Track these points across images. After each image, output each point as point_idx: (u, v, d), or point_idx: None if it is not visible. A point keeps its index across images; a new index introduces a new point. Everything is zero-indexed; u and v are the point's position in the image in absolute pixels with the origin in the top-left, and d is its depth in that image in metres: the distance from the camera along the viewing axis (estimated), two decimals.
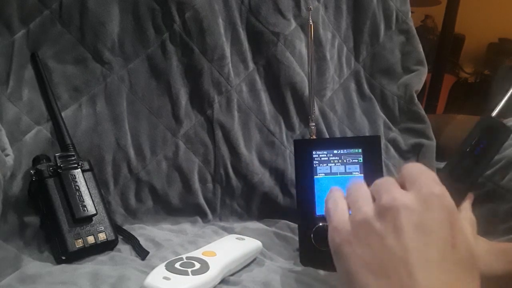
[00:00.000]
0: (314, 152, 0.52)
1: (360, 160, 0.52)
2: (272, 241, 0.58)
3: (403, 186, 0.32)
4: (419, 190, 0.31)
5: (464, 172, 0.43)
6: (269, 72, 0.71)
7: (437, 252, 0.28)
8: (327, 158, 0.52)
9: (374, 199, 0.33)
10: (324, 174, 0.52)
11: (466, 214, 0.44)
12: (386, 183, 0.32)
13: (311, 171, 0.52)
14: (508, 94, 0.52)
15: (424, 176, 0.31)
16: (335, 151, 0.52)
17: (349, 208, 0.34)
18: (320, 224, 0.50)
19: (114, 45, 0.63)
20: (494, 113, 0.50)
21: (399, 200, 0.30)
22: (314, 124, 0.58)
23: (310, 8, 0.58)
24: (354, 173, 0.52)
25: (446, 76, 1.58)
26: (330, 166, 0.52)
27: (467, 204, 0.45)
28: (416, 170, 0.32)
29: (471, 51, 2.06)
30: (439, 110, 1.57)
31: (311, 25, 0.56)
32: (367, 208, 0.32)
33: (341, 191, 0.38)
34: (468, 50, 2.05)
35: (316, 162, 0.52)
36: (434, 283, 0.27)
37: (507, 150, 0.64)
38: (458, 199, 0.35)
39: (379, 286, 0.28)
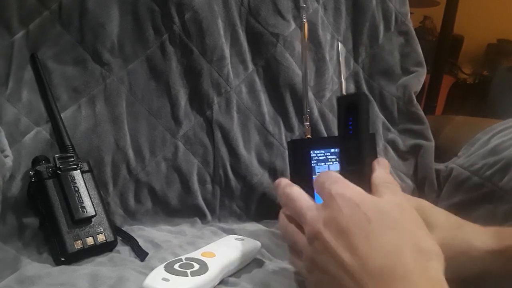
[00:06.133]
0: (312, 152, 0.53)
1: None
2: (271, 242, 0.58)
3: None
4: (324, 199, 0.36)
5: (352, 155, 0.42)
6: (268, 73, 0.71)
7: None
8: (325, 157, 0.52)
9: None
10: None
11: (381, 173, 0.39)
12: (297, 215, 0.39)
13: (310, 170, 0.52)
14: (341, 61, 0.53)
15: (326, 182, 0.37)
16: (332, 150, 0.53)
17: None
18: None
19: (114, 46, 0.63)
20: (343, 92, 0.52)
21: (315, 225, 0.35)
22: (308, 123, 0.58)
23: (303, 6, 0.58)
24: None
25: (445, 77, 1.59)
26: (328, 165, 0.52)
27: (380, 167, 0.40)
28: (320, 179, 0.38)
29: (469, 52, 2.07)
30: (438, 111, 1.58)
31: (305, 23, 0.56)
32: (302, 242, 0.37)
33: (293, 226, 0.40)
34: (467, 51, 2.05)
35: (314, 161, 0.52)
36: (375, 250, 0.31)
37: (506, 151, 0.64)
38: (361, 180, 0.37)
39: None
